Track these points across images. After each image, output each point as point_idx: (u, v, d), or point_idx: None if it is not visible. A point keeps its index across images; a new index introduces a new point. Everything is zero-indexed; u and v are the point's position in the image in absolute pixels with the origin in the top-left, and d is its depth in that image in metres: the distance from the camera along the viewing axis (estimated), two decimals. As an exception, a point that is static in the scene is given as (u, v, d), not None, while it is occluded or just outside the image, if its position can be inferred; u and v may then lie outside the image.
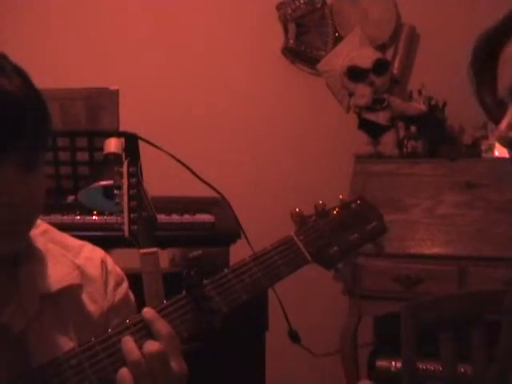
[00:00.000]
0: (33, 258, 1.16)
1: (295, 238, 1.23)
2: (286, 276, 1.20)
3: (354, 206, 1.30)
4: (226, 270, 1.16)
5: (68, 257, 1.22)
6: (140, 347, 1.06)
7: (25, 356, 1.08)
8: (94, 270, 1.23)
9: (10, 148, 1.02)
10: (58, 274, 1.18)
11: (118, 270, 1.29)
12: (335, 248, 1.25)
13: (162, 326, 1.08)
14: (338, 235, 1.26)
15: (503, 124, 0.93)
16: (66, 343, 1.12)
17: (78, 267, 1.21)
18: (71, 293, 1.19)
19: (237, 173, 3.30)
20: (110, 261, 1.28)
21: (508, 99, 0.94)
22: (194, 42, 3.41)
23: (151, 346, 1.06)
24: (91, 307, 1.21)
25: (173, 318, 1.11)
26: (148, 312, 1.10)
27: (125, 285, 1.28)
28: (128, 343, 1.06)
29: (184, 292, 1.12)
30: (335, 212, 1.28)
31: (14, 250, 1.13)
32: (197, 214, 2.13)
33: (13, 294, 1.12)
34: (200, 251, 2.22)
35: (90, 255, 1.25)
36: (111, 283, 1.25)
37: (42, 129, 1.07)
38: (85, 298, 1.20)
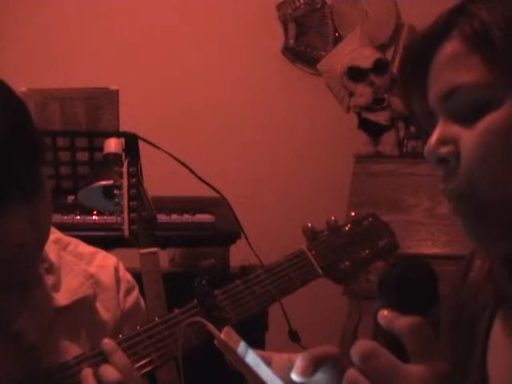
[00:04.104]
0: (46, 269, 1.16)
1: (307, 251, 1.23)
2: (297, 289, 1.21)
3: (365, 222, 1.30)
4: (237, 281, 1.17)
5: (81, 266, 1.21)
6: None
7: (36, 363, 1.08)
8: (107, 278, 1.24)
9: (7, 199, 0.98)
10: (71, 286, 1.18)
11: (129, 276, 1.28)
12: (346, 263, 1.25)
13: (120, 357, 1.04)
14: (350, 251, 1.26)
15: (433, 138, 0.82)
16: (78, 353, 1.11)
17: (91, 276, 1.21)
18: (85, 303, 1.19)
19: (237, 173, 3.29)
20: (121, 268, 1.28)
21: (438, 110, 0.84)
22: (193, 41, 3.40)
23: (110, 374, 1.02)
24: (105, 316, 1.21)
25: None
26: (108, 344, 1.06)
27: (135, 292, 1.28)
28: (88, 379, 1.02)
29: (195, 301, 1.12)
30: (347, 228, 1.29)
31: (31, 276, 1.12)
32: (197, 214, 2.13)
33: (24, 305, 1.11)
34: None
35: (103, 263, 1.25)
36: (122, 290, 1.25)
37: (31, 161, 1.02)
38: (99, 306, 1.21)
